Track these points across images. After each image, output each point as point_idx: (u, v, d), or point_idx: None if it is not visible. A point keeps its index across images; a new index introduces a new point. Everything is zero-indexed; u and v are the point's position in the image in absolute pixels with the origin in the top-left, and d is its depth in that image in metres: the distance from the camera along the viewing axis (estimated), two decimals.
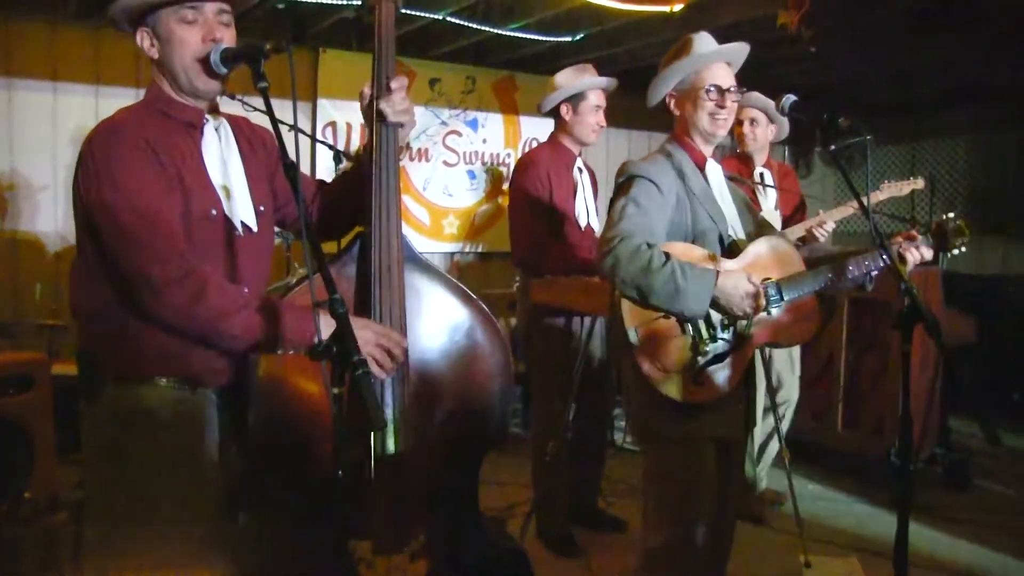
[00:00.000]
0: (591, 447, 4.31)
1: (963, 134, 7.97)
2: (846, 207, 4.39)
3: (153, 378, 2.04)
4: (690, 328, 2.55)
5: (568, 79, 4.08)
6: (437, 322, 2.24)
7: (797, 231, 4.34)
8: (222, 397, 2.12)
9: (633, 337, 2.53)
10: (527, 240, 4.08)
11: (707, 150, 2.76)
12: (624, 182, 2.63)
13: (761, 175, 4.51)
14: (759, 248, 2.68)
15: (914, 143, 8.32)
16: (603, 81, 4.10)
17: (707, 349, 2.55)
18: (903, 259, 2.67)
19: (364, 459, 2.07)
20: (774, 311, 2.56)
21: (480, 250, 7.33)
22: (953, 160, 8.06)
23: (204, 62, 2.01)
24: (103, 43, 5.56)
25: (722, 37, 2.75)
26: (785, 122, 4.45)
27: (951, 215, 2.81)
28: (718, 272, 2.44)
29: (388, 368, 2.02)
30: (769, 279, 2.59)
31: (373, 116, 2.19)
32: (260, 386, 2.05)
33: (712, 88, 2.64)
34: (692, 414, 2.58)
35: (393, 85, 2.19)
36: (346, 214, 2.36)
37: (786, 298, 2.57)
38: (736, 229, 2.74)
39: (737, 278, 2.45)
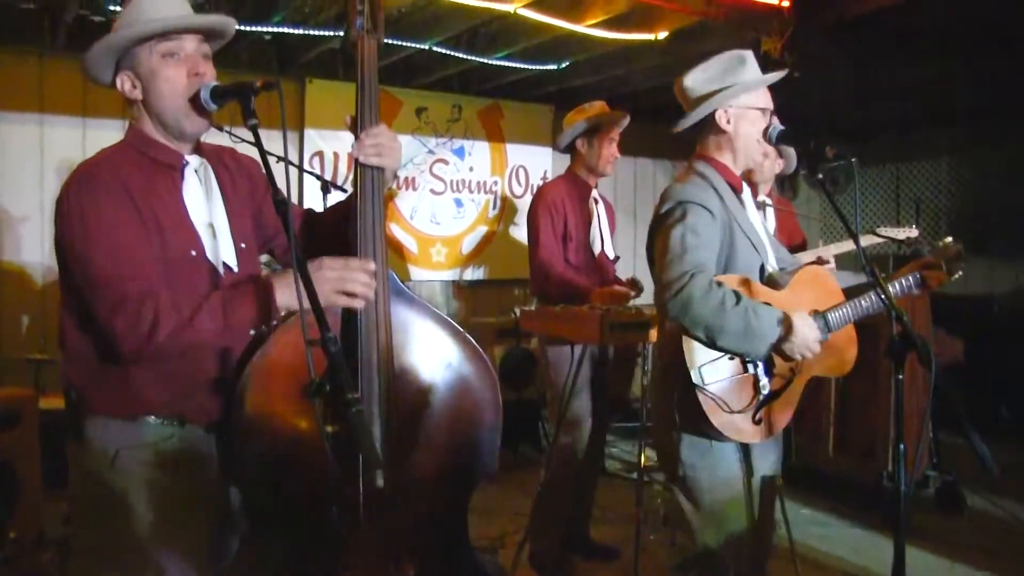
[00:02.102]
0: (583, 475, 4.30)
1: (946, 155, 8.03)
2: (845, 242, 4.44)
3: (140, 417, 2.02)
4: (750, 367, 2.50)
5: (579, 116, 4.27)
6: (424, 356, 2.22)
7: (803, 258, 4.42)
8: (211, 432, 2.10)
9: (697, 377, 2.45)
10: (534, 265, 4.23)
11: (739, 172, 2.68)
12: (674, 208, 2.52)
13: (763, 203, 4.60)
14: (803, 278, 2.65)
15: (898, 164, 8.38)
16: (611, 115, 4.27)
17: (765, 386, 2.51)
18: (927, 284, 2.72)
19: (356, 495, 2.06)
20: (821, 343, 2.53)
21: (469, 278, 7.32)
22: (936, 181, 8.12)
23: (193, 100, 2.00)
24: None
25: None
26: (793, 157, 4.53)
27: (950, 240, 2.81)
28: (787, 314, 2.41)
29: (362, 294, 1.98)
30: (816, 311, 2.56)
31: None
32: (246, 421, 2.03)
33: (767, 111, 2.60)
34: (744, 453, 2.56)
35: (363, 135, 2.13)
36: (335, 247, 2.34)
37: (832, 329, 2.55)
38: (771, 259, 2.69)
39: (803, 321, 2.43)
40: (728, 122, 2.60)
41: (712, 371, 2.46)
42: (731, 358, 2.46)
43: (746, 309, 2.34)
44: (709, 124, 2.64)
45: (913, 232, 4.48)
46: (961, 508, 5.05)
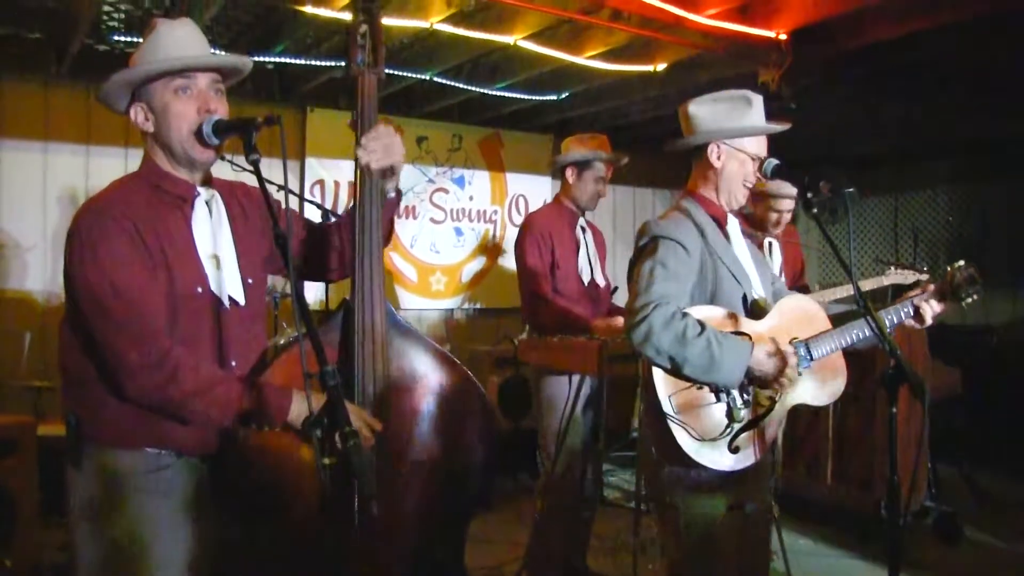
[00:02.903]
0: (581, 504, 4.28)
1: (944, 185, 8.08)
2: (841, 288, 4.45)
3: (138, 446, 2.04)
4: (724, 395, 2.49)
5: (576, 145, 4.23)
6: (420, 386, 2.25)
7: None
8: (207, 463, 2.12)
9: (667, 406, 2.45)
10: (527, 298, 4.21)
11: (725, 207, 2.71)
12: (648, 243, 2.56)
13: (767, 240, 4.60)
14: (785, 307, 2.65)
15: (896, 194, 8.42)
16: (607, 155, 4.22)
17: (741, 415, 2.48)
18: (920, 314, 2.71)
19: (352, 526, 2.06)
20: (803, 371, 2.53)
21: (468, 307, 7.34)
22: (935, 211, 8.15)
23: (198, 133, 2.04)
24: (94, 103, 5.55)
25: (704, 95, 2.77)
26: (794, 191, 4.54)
27: (961, 263, 2.78)
28: (752, 343, 2.41)
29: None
30: (796, 339, 2.57)
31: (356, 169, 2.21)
32: (242, 451, 2.04)
33: (759, 159, 2.61)
34: (722, 482, 2.52)
35: (366, 139, 2.17)
36: (334, 259, 2.37)
37: (815, 357, 2.56)
38: (757, 288, 2.68)
39: (771, 348, 2.43)
40: (718, 158, 2.65)
41: (683, 399, 2.45)
42: (700, 387, 2.46)
43: (709, 339, 2.33)
44: (701, 156, 2.68)
45: (924, 277, 4.45)
46: (959, 539, 5.03)
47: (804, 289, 4.40)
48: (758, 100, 2.67)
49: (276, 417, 1.99)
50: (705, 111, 2.67)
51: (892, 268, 4.59)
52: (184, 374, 1.94)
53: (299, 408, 1.97)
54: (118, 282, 1.94)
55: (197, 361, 2.00)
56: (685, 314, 2.38)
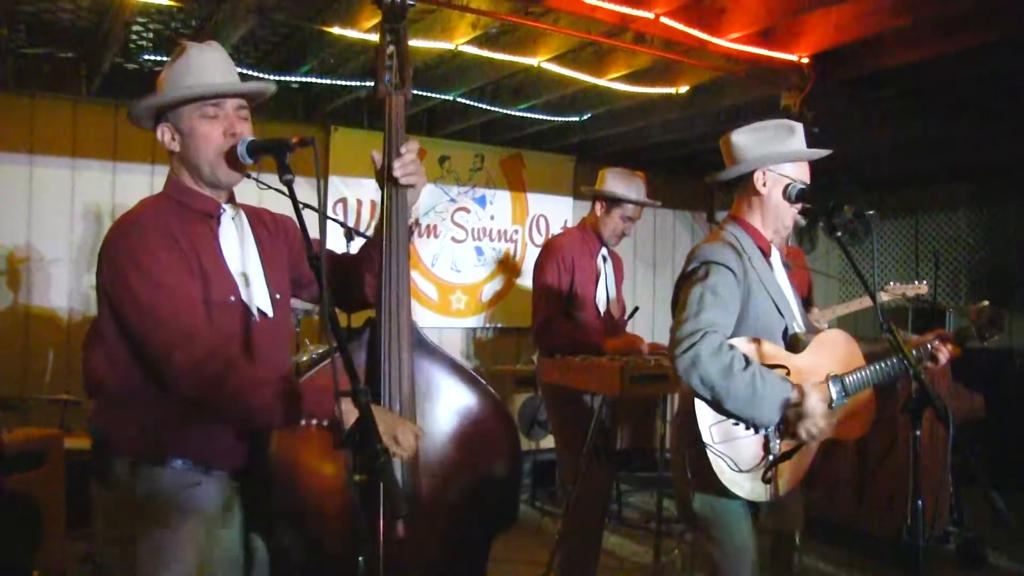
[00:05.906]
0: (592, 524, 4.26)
1: (964, 207, 8.06)
2: (834, 308, 4.47)
3: (167, 461, 2.06)
4: (762, 428, 2.47)
5: (612, 180, 4.22)
6: (445, 405, 2.27)
7: None
8: (236, 479, 2.14)
9: (707, 435, 2.43)
10: (539, 317, 4.21)
11: (768, 235, 2.70)
12: (698, 268, 2.53)
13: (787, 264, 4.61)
14: (823, 342, 2.65)
15: (917, 216, 8.40)
16: (637, 197, 4.21)
17: (776, 447, 2.48)
18: (935, 358, 2.74)
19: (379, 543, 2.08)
20: (836, 407, 2.52)
21: (488, 326, 7.36)
22: (955, 233, 8.13)
23: (229, 154, 2.09)
24: (122, 121, 5.67)
25: (726, 118, 2.79)
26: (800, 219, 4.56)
27: (985, 304, 2.81)
28: (795, 385, 2.39)
29: (403, 455, 2.06)
30: (833, 374, 2.57)
31: (383, 180, 2.26)
32: (272, 468, 2.06)
33: (803, 187, 2.60)
34: (756, 510, 2.55)
35: (402, 149, 2.24)
36: (359, 287, 2.40)
37: (850, 393, 2.56)
38: (797, 321, 2.69)
39: (814, 399, 2.39)
40: (764, 185, 2.63)
41: (723, 430, 2.44)
42: (735, 423, 2.44)
43: (754, 374, 2.31)
44: (746, 184, 2.67)
45: (923, 288, 4.48)
46: (982, 564, 4.99)
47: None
48: (799, 128, 2.67)
49: (326, 410, 1.98)
50: (749, 139, 2.66)
51: (891, 283, 4.60)
52: (234, 371, 1.95)
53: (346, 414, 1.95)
54: (162, 285, 1.98)
55: (243, 358, 2.03)
56: (732, 346, 2.36)
